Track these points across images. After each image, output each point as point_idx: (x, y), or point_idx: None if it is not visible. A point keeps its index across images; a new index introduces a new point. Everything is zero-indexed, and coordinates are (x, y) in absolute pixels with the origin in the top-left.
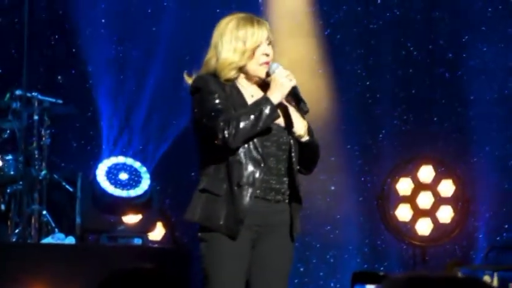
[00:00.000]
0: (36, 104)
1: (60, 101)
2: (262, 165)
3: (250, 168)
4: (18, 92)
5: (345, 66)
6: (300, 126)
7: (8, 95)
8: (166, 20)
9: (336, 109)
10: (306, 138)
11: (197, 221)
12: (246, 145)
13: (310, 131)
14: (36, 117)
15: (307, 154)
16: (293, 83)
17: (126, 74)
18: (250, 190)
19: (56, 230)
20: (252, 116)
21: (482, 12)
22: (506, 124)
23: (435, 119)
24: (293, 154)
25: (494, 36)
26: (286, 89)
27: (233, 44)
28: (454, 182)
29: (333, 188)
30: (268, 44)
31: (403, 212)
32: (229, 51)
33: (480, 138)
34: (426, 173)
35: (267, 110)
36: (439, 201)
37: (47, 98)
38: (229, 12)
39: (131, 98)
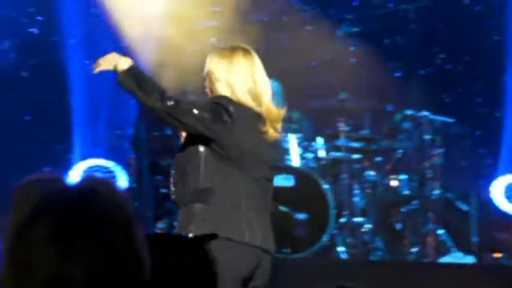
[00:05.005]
0: (427, 123)
1: (451, 120)
2: None
3: None
4: (409, 112)
5: None
6: None
7: (399, 115)
8: None
9: None
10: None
11: None
12: None
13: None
14: (427, 137)
15: None
16: None
17: None
18: None
19: (453, 249)
20: None
21: None
22: None
23: None
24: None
25: None
26: None
27: None
28: None
29: None
30: None
31: None
32: None
33: None
34: None
35: None
36: None
37: (438, 117)
38: None
39: None
